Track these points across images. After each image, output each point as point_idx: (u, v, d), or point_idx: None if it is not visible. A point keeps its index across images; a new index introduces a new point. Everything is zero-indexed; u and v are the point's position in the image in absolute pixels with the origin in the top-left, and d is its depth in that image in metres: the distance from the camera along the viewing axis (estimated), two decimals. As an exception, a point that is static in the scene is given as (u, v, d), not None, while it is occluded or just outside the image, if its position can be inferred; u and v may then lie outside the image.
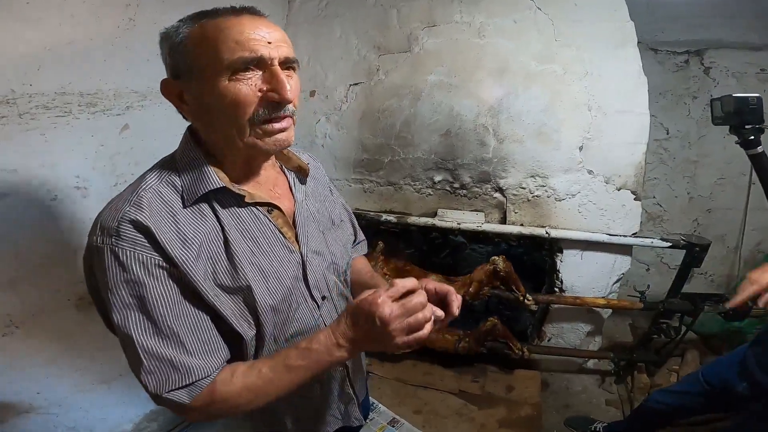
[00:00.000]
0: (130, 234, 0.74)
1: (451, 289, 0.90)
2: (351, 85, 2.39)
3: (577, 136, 2.20)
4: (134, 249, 0.74)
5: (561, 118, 2.19)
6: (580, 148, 2.21)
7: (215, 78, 0.76)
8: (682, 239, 2.20)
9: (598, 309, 2.44)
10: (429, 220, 2.38)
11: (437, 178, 2.40)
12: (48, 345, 1.57)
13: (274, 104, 0.79)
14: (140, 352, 0.75)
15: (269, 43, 0.77)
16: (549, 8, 2.13)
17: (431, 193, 2.45)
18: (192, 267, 0.78)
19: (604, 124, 2.16)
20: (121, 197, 0.79)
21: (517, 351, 2.33)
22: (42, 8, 1.36)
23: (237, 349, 0.88)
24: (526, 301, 2.26)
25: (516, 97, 2.22)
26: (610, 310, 2.47)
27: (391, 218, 2.40)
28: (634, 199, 2.24)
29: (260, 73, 0.78)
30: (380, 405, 2.29)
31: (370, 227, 2.61)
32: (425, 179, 2.42)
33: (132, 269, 0.74)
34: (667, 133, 2.97)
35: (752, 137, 1.69)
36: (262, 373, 0.82)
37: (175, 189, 0.82)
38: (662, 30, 2.76)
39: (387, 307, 0.77)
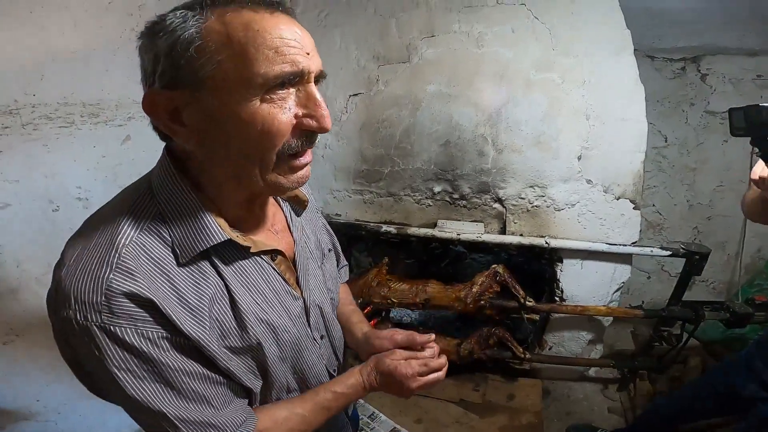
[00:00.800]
0: (126, 310, 0.60)
1: (411, 335, 0.99)
2: (351, 95, 2.40)
3: (576, 145, 2.21)
4: (135, 326, 0.61)
5: (559, 126, 2.20)
6: (579, 158, 2.22)
7: (243, 96, 0.59)
8: (682, 247, 2.21)
9: (599, 317, 2.43)
10: (429, 231, 2.38)
11: (437, 189, 2.41)
12: (47, 352, 1.56)
13: (308, 134, 0.66)
14: (174, 421, 0.67)
15: (308, 53, 0.62)
16: (546, 17, 2.14)
17: (431, 203, 2.45)
18: (205, 336, 0.67)
19: (602, 133, 2.18)
20: (91, 255, 0.62)
21: (519, 353, 2.33)
22: (45, 16, 1.37)
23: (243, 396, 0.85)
24: (527, 303, 2.26)
25: (515, 105, 2.23)
26: (611, 318, 2.47)
27: (391, 229, 2.41)
28: (633, 208, 2.24)
29: (293, 91, 0.63)
30: (381, 414, 2.27)
31: (370, 238, 2.62)
32: (425, 190, 2.43)
33: (137, 346, 0.62)
34: (666, 141, 2.98)
35: None
36: (301, 415, 0.84)
37: (163, 241, 0.66)
38: (659, 37, 2.77)
39: (409, 368, 0.92)
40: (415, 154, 2.37)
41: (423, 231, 2.39)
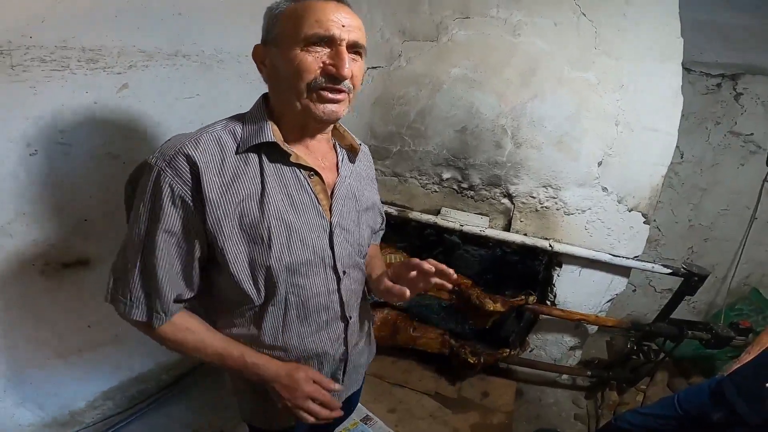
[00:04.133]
0: (178, 164, 0.84)
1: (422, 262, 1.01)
2: (369, 68, 2.23)
3: (599, 150, 2.11)
4: (173, 177, 0.84)
5: (585, 128, 2.10)
6: (600, 164, 2.13)
7: (291, 46, 0.86)
8: (683, 267, 2.18)
9: (586, 325, 2.41)
10: (431, 218, 2.27)
11: (446, 175, 2.29)
12: (4, 312, 1.44)
13: (331, 76, 0.87)
14: (131, 262, 0.88)
15: (343, 26, 0.86)
16: (594, 14, 2.00)
17: (437, 189, 2.34)
18: (222, 206, 0.87)
19: (628, 141, 2.08)
20: (188, 134, 0.90)
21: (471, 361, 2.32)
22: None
23: (240, 312, 0.99)
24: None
25: (542, 101, 2.11)
26: (596, 327, 2.46)
27: (393, 210, 2.29)
28: (644, 222, 2.18)
29: (328, 50, 0.87)
30: (378, 420, 2.24)
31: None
32: (433, 174, 2.31)
33: (161, 190, 0.84)
34: (682, 157, 2.91)
35: None
36: (201, 340, 0.96)
37: (235, 137, 0.91)
38: (701, 50, 2.65)
39: (310, 387, 1.01)
40: (428, 136, 2.24)
41: (426, 217, 2.29)
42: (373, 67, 2.24)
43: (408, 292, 1.00)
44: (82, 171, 1.46)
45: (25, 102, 1.27)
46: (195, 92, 1.69)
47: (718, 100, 2.81)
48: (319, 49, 0.86)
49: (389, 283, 1.07)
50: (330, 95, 0.89)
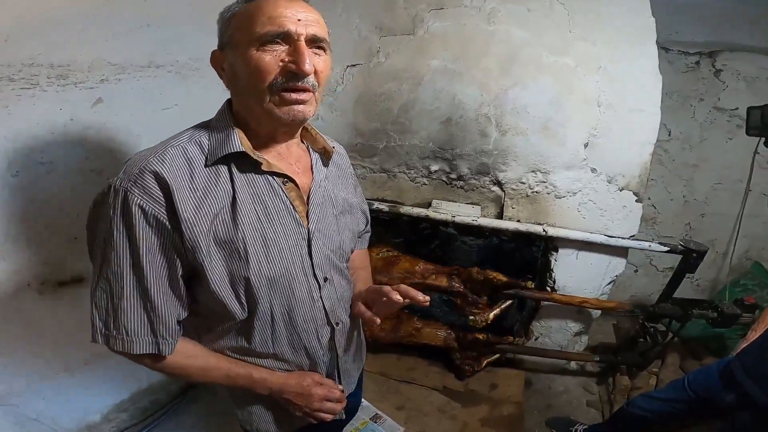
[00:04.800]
0: (146, 183, 0.79)
1: (386, 287, 1.02)
2: (348, 66, 2.23)
3: (584, 132, 2.11)
4: (141, 196, 0.79)
5: (568, 112, 2.09)
6: (586, 145, 2.12)
7: (246, 48, 0.82)
8: (681, 244, 2.16)
9: (589, 309, 2.39)
10: (422, 211, 2.26)
11: (434, 168, 2.29)
12: (6, 332, 1.45)
13: (292, 74, 0.83)
14: (115, 291, 0.83)
15: (299, 20, 0.83)
16: (566, -2, 2.01)
17: (426, 182, 2.33)
18: (197, 222, 0.83)
19: (612, 122, 2.08)
20: (152, 149, 0.85)
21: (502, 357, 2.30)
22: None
23: (228, 328, 0.96)
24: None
25: (523, 88, 2.10)
26: (599, 311, 2.43)
27: (383, 207, 2.28)
28: (636, 200, 2.17)
29: (287, 47, 0.83)
30: (363, 399, 2.22)
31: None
32: (421, 168, 2.30)
33: (132, 212, 0.79)
34: (669, 135, 2.91)
35: None
36: (206, 364, 0.96)
37: (202, 148, 0.87)
38: (677, 29, 2.67)
39: (321, 390, 1.04)
40: (413, 130, 2.24)
41: (416, 210, 2.28)
42: (352, 65, 2.24)
43: (378, 320, 1.04)
44: (66, 189, 1.46)
45: (0, 123, 1.27)
46: (173, 102, 1.70)
47: (699, 77, 2.83)
48: (276, 47, 0.83)
49: (362, 308, 1.08)
50: (293, 96, 0.85)
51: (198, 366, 0.95)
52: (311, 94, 0.87)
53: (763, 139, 1.70)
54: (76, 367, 1.63)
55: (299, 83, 0.84)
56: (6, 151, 1.31)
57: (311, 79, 0.85)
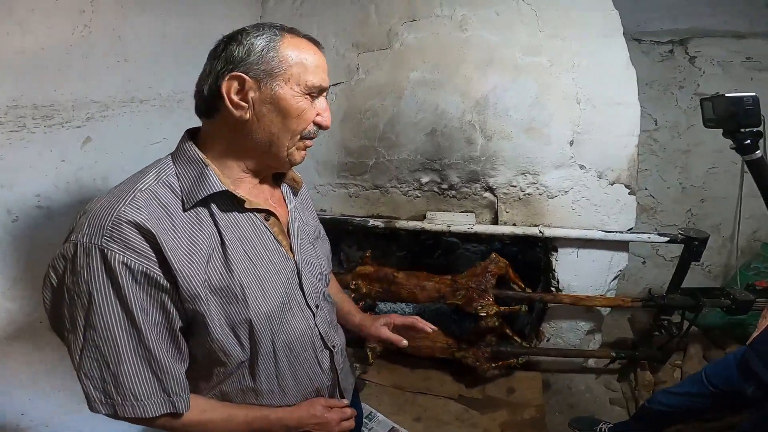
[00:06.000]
0: (126, 236, 0.73)
1: (414, 318, 1.10)
2: (330, 85, 2.28)
3: (568, 130, 2.13)
4: (124, 253, 0.73)
5: (550, 112, 2.13)
6: (571, 143, 2.14)
7: (294, 90, 0.83)
8: (680, 233, 2.14)
9: (598, 307, 2.36)
10: (418, 224, 2.28)
11: (424, 180, 2.32)
12: (27, 368, 1.47)
13: (319, 127, 0.90)
14: (114, 357, 0.77)
15: (326, 77, 0.89)
16: (531, -2, 2.06)
17: (419, 195, 2.36)
18: (191, 274, 0.78)
19: (594, 117, 2.10)
20: (113, 195, 0.78)
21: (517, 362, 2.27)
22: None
23: (226, 372, 0.92)
24: (522, 309, 2.22)
25: (503, 91, 2.14)
26: (610, 308, 2.40)
27: (379, 223, 2.30)
28: (629, 193, 2.18)
29: (316, 100, 0.88)
30: (378, 414, 2.21)
31: (357, 233, 2.52)
32: (412, 181, 2.33)
33: (117, 271, 0.73)
34: (656, 124, 2.92)
35: (748, 141, 1.58)
36: (227, 415, 0.93)
37: (174, 191, 0.81)
38: (645, 20, 2.73)
39: (335, 414, 1.05)
40: (401, 144, 2.28)
41: (412, 224, 2.29)
42: (334, 84, 2.30)
43: (406, 342, 1.18)
44: (64, 231, 1.48)
45: (-6, 169, 1.29)
46: (162, 136, 1.73)
47: (675, 65, 2.86)
48: (312, 98, 0.87)
49: (389, 332, 1.22)
50: (309, 143, 0.91)
51: (216, 418, 0.91)
52: None
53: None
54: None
55: (316, 136, 0.92)
56: (4, 197, 1.33)
57: None
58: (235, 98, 0.82)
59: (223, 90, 0.81)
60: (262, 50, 0.81)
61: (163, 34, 1.76)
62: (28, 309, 1.44)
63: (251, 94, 0.82)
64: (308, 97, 0.85)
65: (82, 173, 1.52)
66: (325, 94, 0.90)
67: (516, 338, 2.33)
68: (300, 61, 0.83)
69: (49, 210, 1.45)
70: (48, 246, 1.45)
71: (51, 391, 1.53)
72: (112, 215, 0.73)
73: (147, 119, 1.69)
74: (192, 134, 0.91)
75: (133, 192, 0.77)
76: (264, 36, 0.82)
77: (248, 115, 0.83)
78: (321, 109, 0.89)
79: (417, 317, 1.14)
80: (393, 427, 2.15)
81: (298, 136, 0.87)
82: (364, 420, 2.08)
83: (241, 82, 0.81)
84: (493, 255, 2.21)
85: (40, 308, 1.44)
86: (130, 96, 1.63)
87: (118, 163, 1.60)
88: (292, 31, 0.86)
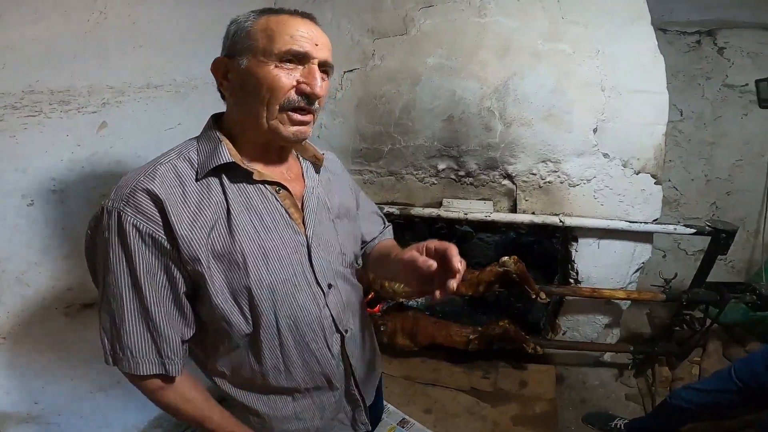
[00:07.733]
0: (139, 202, 0.80)
1: (449, 245, 0.90)
2: (345, 72, 2.26)
3: (591, 117, 2.06)
4: (135, 216, 0.80)
5: (572, 99, 2.06)
6: (595, 131, 2.07)
7: (264, 62, 0.84)
8: (708, 225, 2.07)
9: (617, 301, 2.31)
10: (434, 211, 2.25)
11: (441, 166, 2.28)
12: (40, 355, 1.49)
13: (303, 95, 0.87)
14: (118, 312, 0.84)
15: (316, 45, 0.87)
16: (553, -17, 1.99)
17: (435, 182, 2.32)
18: (190, 239, 0.82)
19: (619, 105, 2.03)
20: (141, 168, 0.86)
21: (530, 351, 2.22)
22: (1, 6, 1.24)
23: (231, 346, 0.95)
24: (539, 299, 2.15)
25: (522, 78, 2.08)
26: (630, 302, 2.34)
27: (394, 210, 2.28)
28: (655, 183, 2.10)
29: (301, 67, 0.87)
30: (389, 405, 2.20)
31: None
32: (428, 168, 2.29)
33: (127, 232, 0.80)
34: (681, 115, 2.85)
35: None
36: (201, 410, 0.95)
37: (191, 164, 0.88)
38: (671, 10, 2.66)
39: None
40: (417, 130, 2.24)
41: (428, 211, 2.26)
42: (349, 70, 2.26)
43: (435, 265, 0.85)
44: (81, 216, 1.48)
45: (9, 153, 1.30)
46: (176, 122, 1.73)
47: (702, 56, 2.80)
48: (291, 66, 0.85)
49: (416, 254, 0.90)
50: (299, 117, 0.88)
51: (192, 411, 0.94)
52: (312, 115, 0.91)
53: None
54: (110, 386, 1.67)
55: (309, 105, 0.88)
56: (19, 182, 1.35)
57: (317, 102, 0.89)
58: (222, 80, 0.91)
59: (212, 73, 0.92)
60: (235, 32, 0.88)
61: (177, 21, 1.75)
62: (43, 293, 1.46)
63: (230, 75, 0.89)
64: (281, 66, 0.85)
65: (97, 158, 1.53)
66: (312, 61, 0.87)
67: (528, 344, 2.26)
68: (266, 32, 0.85)
69: (64, 194, 1.47)
70: (63, 230, 1.47)
71: (64, 378, 1.56)
72: (132, 184, 0.81)
73: (162, 105, 1.69)
74: (216, 118, 0.97)
75: (155, 165, 0.85)
76: (239, 21, 0.89)
77: (232, 93, 0.91)
78: (303, 77, 0.86)
79: (453, 245, 0.89)
80: (403, 418, 2.14)
81: (276, 107, 0.86)
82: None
83: (222, 64, 0.90)
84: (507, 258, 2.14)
85: (55, 292, 1.48)
86: (146, 82, 1.63)
87: (132, 149, 1.61)
88: (277, 12, 0.88)
